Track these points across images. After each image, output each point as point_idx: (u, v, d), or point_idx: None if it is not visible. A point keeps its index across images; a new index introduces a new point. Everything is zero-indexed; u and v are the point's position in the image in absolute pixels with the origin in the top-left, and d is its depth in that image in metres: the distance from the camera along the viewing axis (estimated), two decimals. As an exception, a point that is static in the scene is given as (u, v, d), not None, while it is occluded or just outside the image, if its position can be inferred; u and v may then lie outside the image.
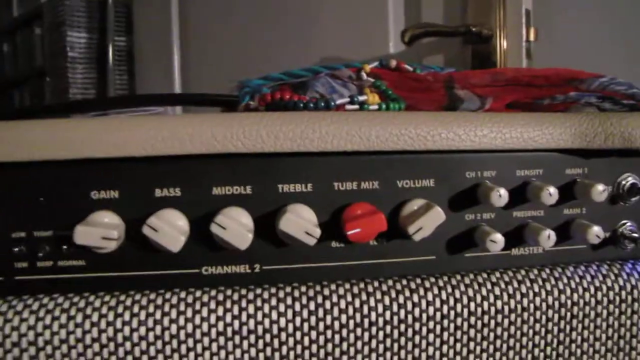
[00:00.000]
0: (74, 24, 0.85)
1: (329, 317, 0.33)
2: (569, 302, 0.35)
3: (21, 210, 0.32)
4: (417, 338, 0.34)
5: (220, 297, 0.33)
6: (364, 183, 0.34)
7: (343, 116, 0.33)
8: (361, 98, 0.38)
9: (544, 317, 0.35)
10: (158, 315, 0.32)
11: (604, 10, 0.65)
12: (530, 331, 0.35)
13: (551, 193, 0.34)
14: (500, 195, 0.33)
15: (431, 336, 0.34)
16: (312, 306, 0.33)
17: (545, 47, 0.67)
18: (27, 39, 0.98)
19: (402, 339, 0.34)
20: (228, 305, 0.32)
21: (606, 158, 0.37)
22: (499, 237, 0.34)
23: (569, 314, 0.35)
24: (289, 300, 0.33)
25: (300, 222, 0.32)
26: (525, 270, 0.36)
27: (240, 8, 0.86)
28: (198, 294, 0.33)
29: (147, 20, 0.90)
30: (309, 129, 0.33)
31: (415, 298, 0.34)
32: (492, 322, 0.35)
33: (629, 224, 0.38)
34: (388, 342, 0.33)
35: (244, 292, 0.33)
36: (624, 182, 0.37)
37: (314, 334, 0.33)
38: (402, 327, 0.33)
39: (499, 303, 0.35)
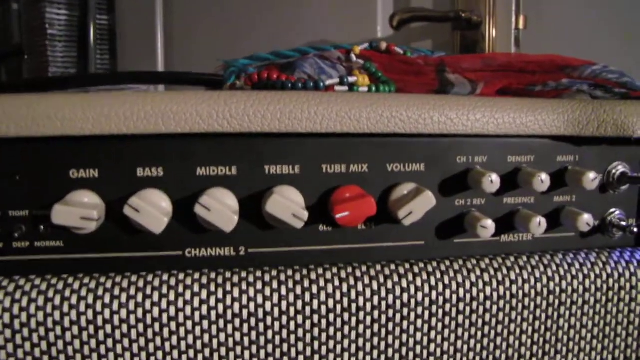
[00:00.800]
0: (53, 0, 0.82)
1: (315, 302, 0.32)
2: (557, 289, 0.35)
3: (-4, 188, 0.31)
4: (405, 324, 0.33)
5: (204, 280, 0.32)
6: (353, 166, 0.33)
7: (333, 97, 0.32)
8: (351, 79, 0.38)
9: (532, 303, 0.35)
10: (140, 298, 0.31)
11: (594, -1, 0.65)
12: (519, 318, 0.35)
13: (543, 180, 0.33)
14: (492, 181, 0.33)
15: (419, 322, 0.33)
16: (298, 290, 0.32)
17: (534, 35, 0.66)
18: (4, 14, 0.94)
19: (390, 325, 0.33)
20: (212, 288, 0.32)
21: (597, 146, 0.37)
22: (489, 223, 0.33)
23: (557, 301, 0.35)
24: (274, 284, 0.32)
25: (288, 205, 0.31)
26: (514, 257, 0.36)
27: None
28: (181, 276, 0.32)
29: (129, -2, 0.88)
30: (297, 109, 0.32)
31: (404, 283, 0.33)
32: (481, 308, 0.34)
33: (617, 212, 0.38)
34: (375, 327, 0.33)
35: (228, 275, 0.32)
36: (614, 171, 0.37)
37: (300, 318, 0.32)
38: (390, 312, 0.33)
39: (487, 289, 0.34)
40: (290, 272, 0.33)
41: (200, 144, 0.32)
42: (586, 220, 0.35)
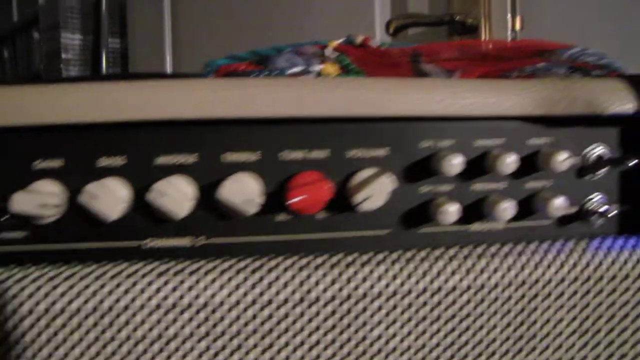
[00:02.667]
0: (68, 25, 0.85)
1: (274, 289, 0.31)
2: (532, 277, 0.34)
3: (-41, 180, 0.32)
4: (368, 313, 0.32)
5: (163, 268, 0.32)
6: (313, 152, 0.33)
7: (291, 81, 0.32)
8: (316, 68, 0.37)
9: (506, 293, 0.33)
10: (96, 286, 0.31)
11: (594, -2, 0.64)
12: (492, 308, 0.33)
13: (508, 162, 0.32)
14: (453, 164, 0.32)
15: (383, 312, 0.32)
16: (256, 277, 0.31)
17: (531, 35, 0.65)
18: (26, 43, 0.99)
19: (352, 314, 0.32)
20: (169, 276, 0.31)
21: (573, 127, 0.35)
22: (450, 209, 0.32)
23: (533, 290, 0.34)
24: (232, 272, 0.32)
25: (240, 190, 0.31)
26: (486, 245, 0.34)
27: (233, 7, 0.86)
28: (139, 265, 0.32)
29: (140, 22, 0.91)
30: (256, 93, 0.31)
31: (367, 270, 0.32)
32: (450, 297, 0.33)
33: (597, 198, 0.36)
34: (337, 316, 0.32)
35: (187, 263, 0.32)
36: (591, 153, 0.35)
37: (257, 306, 0.31)
38: (352, 301, 0.32)
39: (457, 277, 0.33)
40: (249, 260, 0.32)
41: (161, 131, 0.32)
42: (559, 204, 0.33)
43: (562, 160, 0.33)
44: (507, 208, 0.33)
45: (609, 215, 0.35)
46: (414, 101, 0.33)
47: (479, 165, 0.34)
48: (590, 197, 0.36)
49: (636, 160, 0.34)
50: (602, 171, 0.36)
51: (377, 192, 0.31)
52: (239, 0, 0.86)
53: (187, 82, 0.32)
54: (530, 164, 0.35)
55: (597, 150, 0.36)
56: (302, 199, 0.31)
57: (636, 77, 0.35)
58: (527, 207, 0.35)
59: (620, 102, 0.33)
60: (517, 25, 0.64)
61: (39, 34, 0.96)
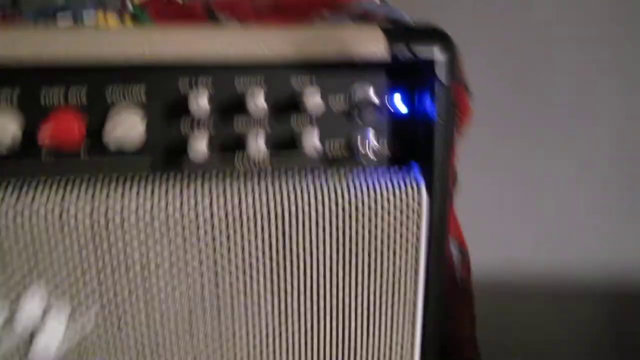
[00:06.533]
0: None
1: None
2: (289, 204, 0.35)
3: None
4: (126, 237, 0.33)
5: None
6: (70, 89, 0.34)
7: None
8: (88, 16, 0.38)
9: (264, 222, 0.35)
10: None
11: None
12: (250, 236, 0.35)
13: (257, 104, 0.34)
14: (201, 103, 0.33)
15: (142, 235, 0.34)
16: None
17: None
18: None
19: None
20: None
21: (337, 69, 0.36)
22: (198, 147, 0.34)
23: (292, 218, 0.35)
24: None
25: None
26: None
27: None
28: None
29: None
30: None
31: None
32: (208, 225, 0.34)
33: (363, 134, 0.37)
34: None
35: None
36: (356, 94, 0.37)
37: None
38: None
39: (211, 204, 0.34)
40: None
41: None
42: (313, 140, 0.35)
43: (317, 103, 0.34)
44: (261, 146, 0.34)
45: (373, 149, 0.36)
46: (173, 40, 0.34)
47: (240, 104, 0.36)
48: (358, 133, 0.37)
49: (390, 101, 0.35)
50: (369, 113, 0.37)
51: (126, 131, 0.33)
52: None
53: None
54: (294, 105, 0.36)
55: (363, 91, 0.37)
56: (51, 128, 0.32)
57: (391, 28, 0.36)
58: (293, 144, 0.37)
59: (372, 49, 0.35)
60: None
61: None
